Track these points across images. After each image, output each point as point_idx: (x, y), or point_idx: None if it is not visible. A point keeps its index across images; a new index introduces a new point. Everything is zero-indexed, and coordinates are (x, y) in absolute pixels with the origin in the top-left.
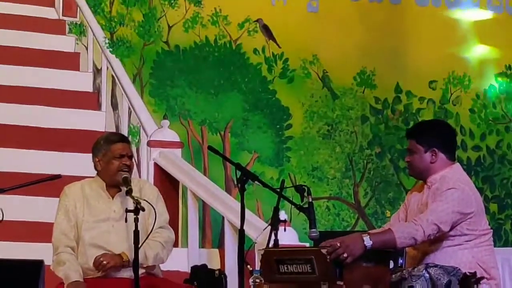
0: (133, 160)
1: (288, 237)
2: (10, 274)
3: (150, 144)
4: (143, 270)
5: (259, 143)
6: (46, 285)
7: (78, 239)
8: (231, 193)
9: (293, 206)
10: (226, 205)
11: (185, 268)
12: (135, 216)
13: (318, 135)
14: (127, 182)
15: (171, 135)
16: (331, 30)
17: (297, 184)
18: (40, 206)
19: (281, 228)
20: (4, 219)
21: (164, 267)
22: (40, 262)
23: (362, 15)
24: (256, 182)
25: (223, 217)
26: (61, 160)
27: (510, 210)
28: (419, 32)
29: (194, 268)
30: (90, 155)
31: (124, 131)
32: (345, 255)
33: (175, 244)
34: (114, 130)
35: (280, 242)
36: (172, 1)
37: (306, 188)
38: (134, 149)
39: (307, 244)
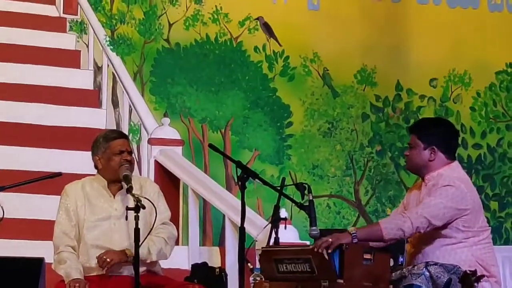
0: (133, 156)
1: (288, 235)
2: (10, 272)
3: (151, 142)
4: (144, 268)
5: (259, 141)
6: (47, 283)
7: (79, 238)
8: (231, 191)
9: (293, 204)
10: (227, 203)
11: (186, 266)
12: (135, 214)
13: (318, 133)
14: (127, 179)
15: (172, 133)
16: (331, 28)
17: (298, 182)
18: (40, 204)
19: (281, 226)
20: (4, 216)
21: (164, 264)
22: (41, 260)
23: (363, 13)
24: (256, 180)
25: (223, 215)
26: (62, 157)
27: (510, 208)
28: (420, 30)
29: (195, 266)
30: (91, 153)
31: (125, 129)
32: (330, 240)
33: (176, 242)
34: (114, 127)
35: (280, 240)
36: None
37: (306, 186)
38: (134, 146)
39: (308, 242)
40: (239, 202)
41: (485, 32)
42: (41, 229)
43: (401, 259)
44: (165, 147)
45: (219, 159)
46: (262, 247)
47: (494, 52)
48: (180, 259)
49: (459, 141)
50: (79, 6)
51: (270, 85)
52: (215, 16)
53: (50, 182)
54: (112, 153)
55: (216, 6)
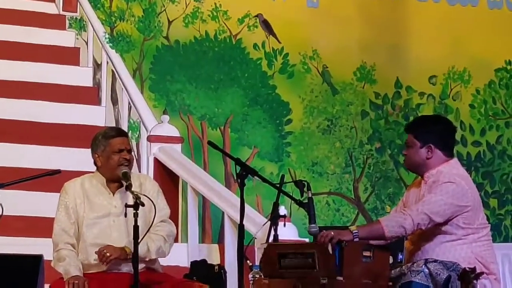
0: (133, 154)
1: (287, 232)
2: (9, 269)
3: (150, 139)
4: (143, 265)
5: (259, 138)
6: (46, 280)
7: (78, 236)
8: (231, 188)
9: (293, 201)
10: (226, 200)
11: (185, 263)
12: (134, 211)
13: (318, 130)
14: (126, 177)
15: (171, 130)
16: (331, 25)
17: (297, 179)
18: (39, 201)
19: (280, 223)
20: (3, 214)
21: (164, 262)
22: (39, 257)
23: (362, 10)
24: (256, 177)
25: (223, 212)
26: (61, 155)
27: (510, 206)
28: (419, 27)
29: (194, 263)
30: (90, 150)
31: (124, 126)
32: (332, 233)
33: (175, 239)
34: (114, 125)
35: (279, 237)
36: None
37: (306, 183)
38: (134, 144)
39: (307, 240)
40: (238, 199)
41: (484, 29)
42: (40, 227)
43: (400, 256)
44: (165, 145)
45: (219, 157)
46: (267, 242)
47: (494, 50)
48: (179, 256)
49: (459, 139)
50: (78, 3)
51: (270, 82)
52: (215, 14)
53: (49, 180)
54: (112, 151)
55: (215, 3)
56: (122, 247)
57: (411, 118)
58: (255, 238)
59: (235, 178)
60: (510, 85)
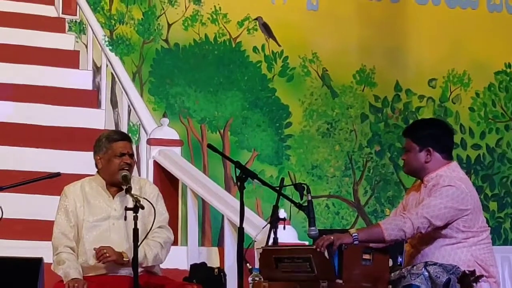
0: (134, 158)
1: (287, 235)
2: (9, 272)
3: (150, 142)
4: (142, 268)
5: (258, 142)
6: (45, 283)
7: (78, 239)
8: (230, 191)
9: (292, 205)
10: (226, 203)
11: (185, 266)
12: (134, 214)
13: (317, 134)
14: (126, 180)
15: (171, 133)
16: (330, 28)
17: (297, 182)
18: (39, 204)
19: (280, 226)
20: (3, 217)
21: (163, 265)
22: (39, 260)
23: (361, 13)
24: (255, 180)
25: (222, 215)
26: (61, 158)
27: (509, 209)
28: (419, 30)
29: (194, 266)
30: (90, 153)
31: (124, 129)
32: (332, 238)
33: (175, 242)
34: (113, 128)
35: (279, 240)
36: None
37: (305, 186)
38: (133, 147)
39: (307, 243)
40: (238, 202)
41: (484, 32)
42: (40, 229)
43: (400, 259)
44: (164, 148)
45: (218, 160)
46: (262, 246)
47: (493, 53)
48: (179, 259)
49: (458, 142)
50: (78, 7)
51: (269, 85)
52: (214, 17)
53: (49, 182)
54: (113, 155)
55: (215, 6)
56: (121, 252)
57: (411, 121)
58: (255, 241)
59: (235, 181)
60: (510, 88)
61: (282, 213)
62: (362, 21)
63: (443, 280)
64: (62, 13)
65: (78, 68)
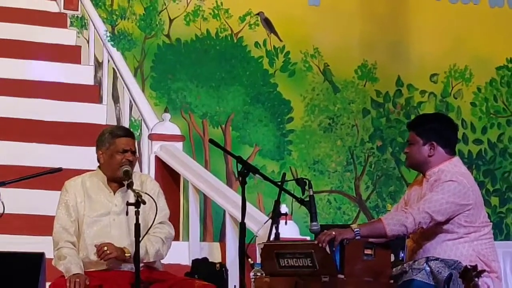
0: (136, 155)
1: (289, 230)
2: (11, 267)
3: (151, 137)
4: (142, 263)
5: (260, 137)
6: (47, 278)
7: (78, 234)
8: (232, 186)
9: (294, 200)
10: (227, 198)
11: (186, 261)
12: (136, 209)
13: (319, 129)
14: (128, 175)
15: (172, 129)
16: (332, 23)
17: (298, 177)
18: (41, 199)
19: (282, 221)
20: (5, 212)
21: (165, 260)
22: (41, 255)
23: (363, 8)
24: (257, 175)
25: (224, 211)
26: (62, 153)
27: (511, 204)
28: (421, 25)
29: (195, 261)
30: (91, 148)
31: (125, 124)
32: (333, 233)
33: (176, 238)
34: (115, 123)
35: (281, 236)
36: None
37: (307, 181)
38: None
39: (308, 238)
40: (240, 197)
41: (485, 27)
42: (41, 225)
43: (401, 254)
44: (166, 143)
45: (220, 155)
46: (264, 242)
47: (495, 48)
48: (180, 255)
49: (460, 137)
50: (79, 2)
51: (271, 80)
52: (216, 12)
53: (50, 178)
54: (116, 151)
55: (216, 1)
56: (122, 248)
57: (413, 116)
58: (257, 236)
59: (237, 176)
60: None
61: (283, 208)
62: (364, 16)
63: (444, 275)
64: (63, 8)
65: (79, 63)
